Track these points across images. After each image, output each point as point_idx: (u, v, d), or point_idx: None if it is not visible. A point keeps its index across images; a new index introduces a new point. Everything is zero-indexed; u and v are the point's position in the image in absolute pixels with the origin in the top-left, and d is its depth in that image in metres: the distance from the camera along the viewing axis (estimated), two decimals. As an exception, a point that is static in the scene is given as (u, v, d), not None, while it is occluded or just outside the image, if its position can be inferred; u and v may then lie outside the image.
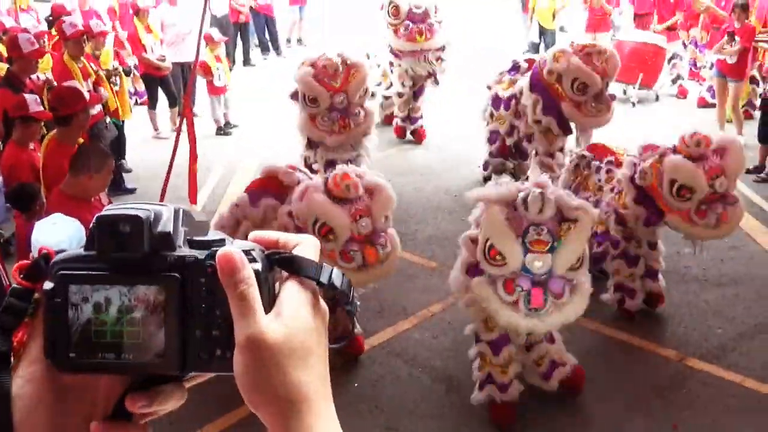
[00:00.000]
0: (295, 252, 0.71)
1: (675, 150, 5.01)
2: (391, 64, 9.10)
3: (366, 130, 6.79)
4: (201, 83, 10.18)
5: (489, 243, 3.96)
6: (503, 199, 4.00)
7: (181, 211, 0.69)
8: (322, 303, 0.71)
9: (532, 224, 3.91)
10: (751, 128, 8.85)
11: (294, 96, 6.76)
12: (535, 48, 12.95)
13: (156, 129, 10.00)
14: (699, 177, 4.86)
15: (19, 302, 0.67)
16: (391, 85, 9.36)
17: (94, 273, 0.66)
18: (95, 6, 11.57)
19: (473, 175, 7.98)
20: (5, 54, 7.61)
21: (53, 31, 8.78)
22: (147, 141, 9.84)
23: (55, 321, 0.66)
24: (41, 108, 5.84)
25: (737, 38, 8.96)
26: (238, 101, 10.63)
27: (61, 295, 0.66)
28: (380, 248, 4.40)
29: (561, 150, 7.02)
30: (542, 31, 13.23)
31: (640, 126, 8.96)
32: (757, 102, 9.36)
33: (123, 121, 8.41)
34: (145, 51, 9.50)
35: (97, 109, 7.00)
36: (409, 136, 9.51)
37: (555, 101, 6.72)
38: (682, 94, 11.29)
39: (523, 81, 7.04)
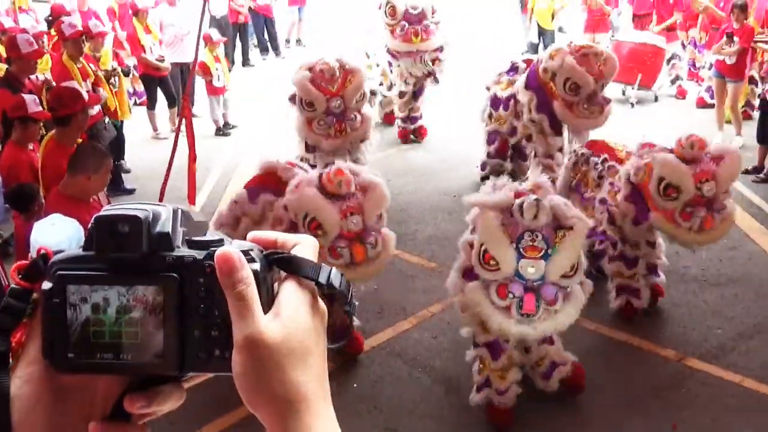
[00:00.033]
0: (293, 252, 0.71)
1: (672, 151, 5.01)
2: (390, 64, 9.10)
3: (363, 135, 6.81)
4: (200, 84, 10.19)
5: (483, 248, 3.97)
6: (499, 206, 4.01)
7: (179, 211, 0.69)
8: (321, 303, 0.71)
9: (527, 230, 3.92)
10: (750, 129, 8.86)
11: (292, 99, 6.78)
12: (534, 48, 12.95)
13: (155, 129, 10.00)
14: (686, 177, 4.84)
15: (18, 302, 0.67)
16: (392, 85, 9.36)
17: (92, 273, 0.66)
18: (94, 6, 11.56)
19: (473, 176, 7.98)
20: (4, 54, 7.61)
21: (53, 32, 8.78)
22: (146, 141, 9.84)
23: (54, 321, 0.66)
24: (40, 108, 5.83)
25: (736, 39, 8.96)
26: (237, 102, 10.63)
27: (60, 296, 0.66)
28: (369, 247, 4.41)
29: (560, 150, 7.02)
30: (541, 32, 13.23)
31: (638, 126, 8.95)
32: (756, 102, 9.36)
33: (122, 122, 8.40)
34: (144, 51, 9.50)
35: (96, 109, 7.00)
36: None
37: (549, 99, 6.72)
38: (681, 94, 11.29)
39: (521, 80, 7.05)
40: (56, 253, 0.68)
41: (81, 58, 7.47)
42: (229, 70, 10.97)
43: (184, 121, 6.97)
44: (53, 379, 0.67)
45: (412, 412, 4.59)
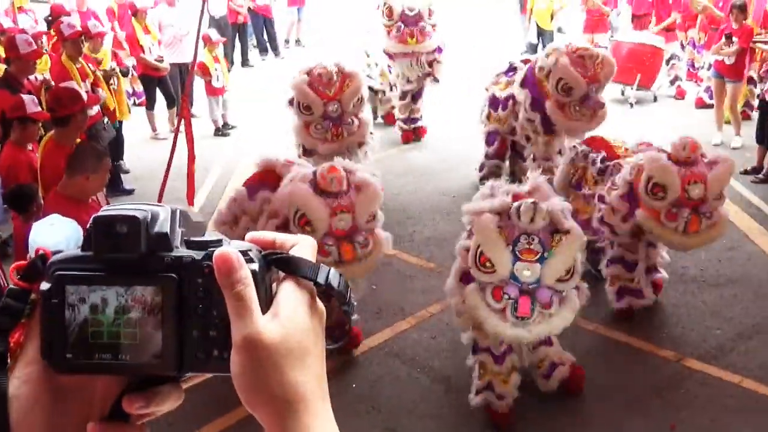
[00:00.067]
0: (292, 252, 0.70)
1: (668, 153, 5.02)
2: (390, 65, 9.11)
3: (360, 139, 6.81)
4: (199, 84, 10.19)
5: (479, 249, 3.98)
6: (496, 208, 4.02)
7: (178, 211, 0.69)
8: (319, 303, 0.71)
9: (523, 233, 3.93)
10: (749, 129, 8.86)
11: (291, 103, 6.78)
12: (533, 49, 12.94)
13: (154, 130, 10.00)
14: (673, 177, 4.85)
15: (16, 303, 0.67)
16: (391, 86, 9.36)
17: (91, 273, 0.66)
18: (93, 7, 11.56)
19: (472, 176, 7.97)
20: (3, 55, 7.61)
21: (53, 32, 8.77)
22: (145, 142, 9.84)
23: (52, 322, 0.66)
24: (39, 109, 5.83)
25: (735, 39, 8.96)
26: (236, 102, 10.63)
27: (58, 296, 0.66)
28: (358, 246, 4.41)
29: (560, 153, 7.01)
30: (540, 32, 13.23)
31: (637, 126, 8.94)
32: (755, 103, 9.37)
33: (120, 122, 8.40)
34: (143, 52, 9.50)
35: (95, 110, 7.00)
36: (410, 135, 9.53)
37: (543, 98, 6.72)
38: (680, 94, 11.30)
39: (518, 77, 7.06)
40: (55, 253, 0.68)
41: (80, 59, 7.47)
42: (228, 71, 10.97)
43: (183, 121, 6.97)
44: (52, 380, 0.67)
45: (411, 412, 4.59)
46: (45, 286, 0.66)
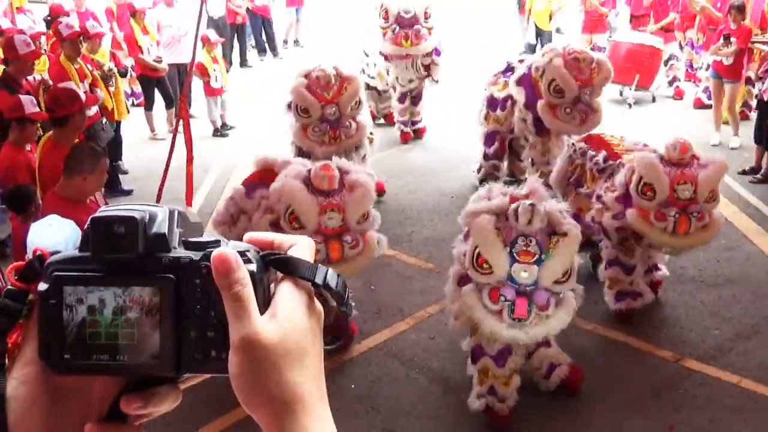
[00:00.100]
0: (290, 253, 0.71)
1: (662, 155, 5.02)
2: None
3: (357, 142, 6.81)
4: (198, 84, 10.18)
5: (477, 251, 3.98)
6: (494, 210, 4.02)
7: (176, 212, 0.69)
8: (317, 304, 0.71)
9: (521, 235, 3.93)
10: (747, 129, 8.87)
11: (289, 106, 6.78)
12: (531, 49, 12.94)
13: (152, 130, 10.00)
14: (661, 176, 4.85)
15: (14, 303, 0.67)
16: (388, 87, 9.35)
17: (88, 274, 0.66)
18: (92, 7, 11.56)
19: (472, 176, 7.98)
20: (1, 55, 7.60)
21: (51, 32, 8.76)
22: (143, 142, 9.83)
23: (50, 322, 0.66)
24: (37, 109, 5.82)
25: (733, 40, 8.98)
26: (234, 103, 10.62)
27: (56, 297, 0.66)
28: (346, 245, 4.41)
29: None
30: (539, 33, 13.23)
31: (636, 127, 8.96)
32: (753, 103, 9.38)
33: (119, 123, 8.39)
34: (142, 52, 9.50)
35: (94, 110, 6.99)
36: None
37: (537, 98, 6.73)
38: (679, 95, 11.31)
39: (515, 75, 7.07)
40: (53, 254, 0.68)
41: (79, 59, 7.46)
42: (227, 71, 10.97)
43: (181, 121, 6.97)
44: (49, 380, 0.67)
45: (410, 412, 4.59)
46: (43, 286, 0.66)
